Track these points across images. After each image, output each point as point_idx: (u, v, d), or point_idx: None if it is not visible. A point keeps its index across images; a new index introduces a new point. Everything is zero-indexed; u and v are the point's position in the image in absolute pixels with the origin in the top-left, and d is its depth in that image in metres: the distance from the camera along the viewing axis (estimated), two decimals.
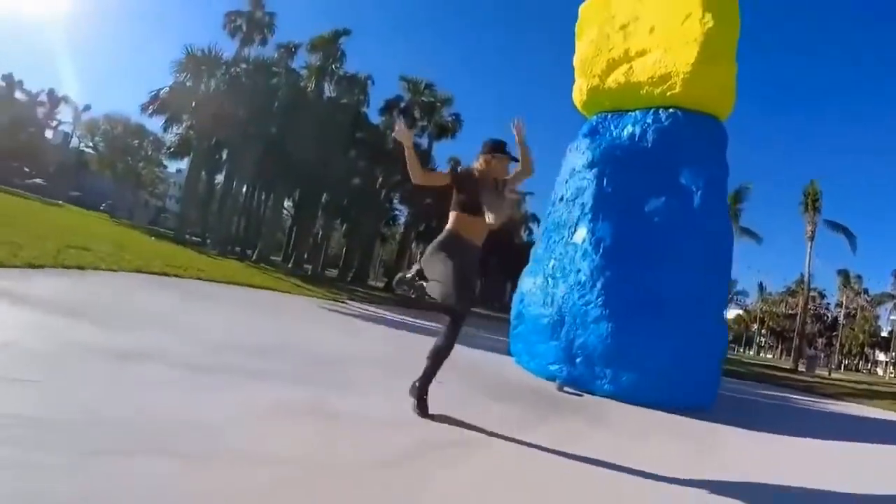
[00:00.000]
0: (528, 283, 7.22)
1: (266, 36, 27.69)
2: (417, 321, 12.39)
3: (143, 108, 25.88)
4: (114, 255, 9.00)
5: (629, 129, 7.24)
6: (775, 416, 7.82)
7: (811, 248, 33.91)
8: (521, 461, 3.15)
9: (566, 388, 6.04)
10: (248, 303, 8.80)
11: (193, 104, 24.68)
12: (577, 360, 6.24)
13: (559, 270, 6.75)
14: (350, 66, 29.30)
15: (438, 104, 33.05)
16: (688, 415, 5.91)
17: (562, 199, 7.30)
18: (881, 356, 67.88)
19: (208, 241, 27.51)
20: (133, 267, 8.19)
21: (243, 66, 26.24)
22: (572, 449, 3.52)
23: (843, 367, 55.33)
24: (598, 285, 6.23)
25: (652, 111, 7.21)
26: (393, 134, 3.72)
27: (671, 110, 7.13)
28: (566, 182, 7.33)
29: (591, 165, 6.93)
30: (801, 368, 30.45)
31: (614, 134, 7.36)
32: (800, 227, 34.34)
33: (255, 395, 3.32)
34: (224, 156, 28.80)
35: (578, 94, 8.08)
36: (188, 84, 25.38)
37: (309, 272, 27.61)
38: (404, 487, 2.42)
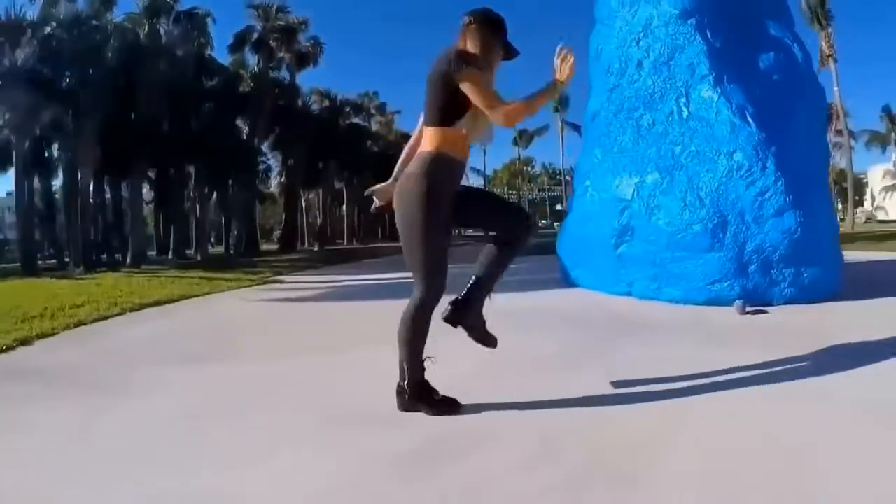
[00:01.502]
0: (628, 184, 5.43)
1: None
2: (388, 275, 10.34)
3: None
4: None
5: None
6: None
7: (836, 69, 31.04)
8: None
9: (748, 308, 4.52)
10: (192, 335, 4.74)
11: (1, 87, 19.19)
12: (751, 267, 4.70)
13: (689, 157, 5.06)
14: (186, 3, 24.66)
15: (295, 28, 29.01)
16: (835, 299, 4.81)
17: (639, 64, 5.55)
18: None
19: (67, 259, 22.25)
20: None
21: (54, 24, 20.69)
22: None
23: None
24: (771, 165, 4.63)
25: None
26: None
27: None
28: (637, 42, 5.58)
29: (685, 15, 5.21)
30: None
31: None
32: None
33: None
34: (55, 150, 23.38)
35: None
36: None
37: (198, 258, 23.71)
38: None
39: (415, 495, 1.67)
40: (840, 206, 61.94)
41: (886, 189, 47.47)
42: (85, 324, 5.18)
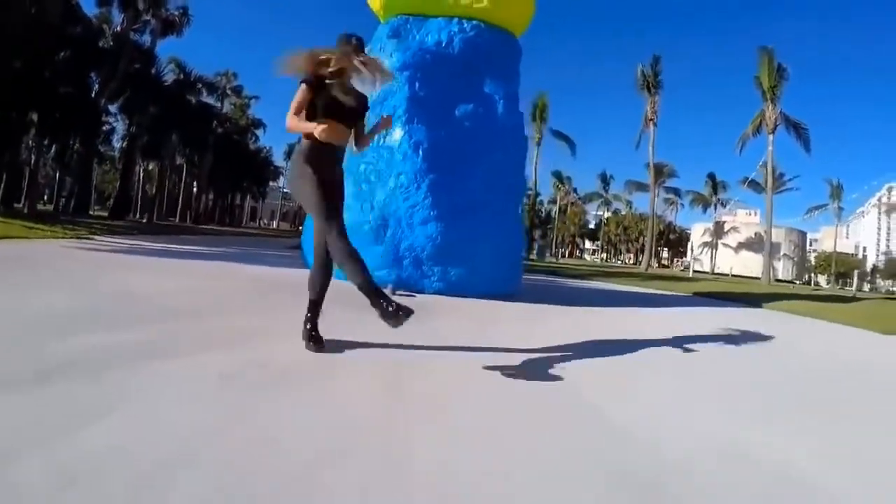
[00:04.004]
0: None
1: None
2: (194, 247, 11.30)
3: None
4: None
5: (433, 35, 7.21)
6: (558, 294, 9.11)
7: (538, 153, 39.01)
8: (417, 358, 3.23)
9: (399, 291, 6.17)
10: (3, 260, 6.10)
11: None
12: (405, 261, 6.38)
13: (374, 175, 6.66)
14: None
15: None
16: (506, 299, 6.70)
17: None
18: (588, 244, 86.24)
19: None
20: None
21: None
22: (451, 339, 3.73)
23: (559, 255, 66.33)
24: (424, 187, 6.35)
25: (456, 20, 7.26)
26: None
27: (475, 21, 7.29)
28: None
29: (403, 68, 6.78)
30: (534, 256, 35.76)
31: (419, 38, 7.24)
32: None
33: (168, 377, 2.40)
34: None
35: None
36: None
37: (26, 209, 22.54)
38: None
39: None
40: (666, 254, 71.32)
41: (704, 245, 56.21)
42: None
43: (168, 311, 3.89)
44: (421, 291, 6.40)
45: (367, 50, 3.41)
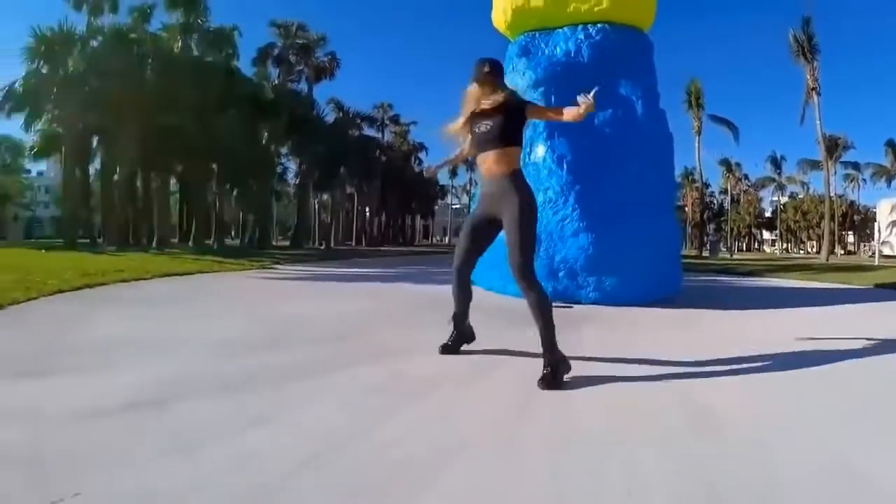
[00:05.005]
0: None
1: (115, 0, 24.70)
2: (365, 269, 12.33)
3: None
4: (22, 280, 7.30)
5: (562, 45, 7.27)
6: (727, 295, 8.52)
7: (699, 141, 36.44)
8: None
9: (556, 303, 6.23)
10: (198, 291, 7.53)
11: (55, 91, 21.94)
12: (560, 273, 6.43)
13: None
14: (216, 19, 27.32)
15: (312, 45, 31.73)
16: (664, 305, 6.45)
17: None
18: (766, 234, 76.77)
19: (100, 240, 25.11)
20: (53, 289, 6.62)
21: (100, 38, 23.45)
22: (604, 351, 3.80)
23: (735, 249, 60.79)
24: (571, 199, 6.39)
25: (581, 27, 7.25)
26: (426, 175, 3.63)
27: (599, 25, 7.23)
28: None
29: (536, 85, 6.93)
30: (705, 254, 33.20)
31: (547, 52, 7.35)
32: (684, 122, 36.24)
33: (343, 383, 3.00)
34: (95, 143, 26.17)
35: (502, 16, 7.94)
36: (44, 71, 22.43)
37: (215, 246, 26.18)
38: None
39: None
40: (852, 239, 61.53)
41: (893, 224, 46.69)
42: (126, 281, 8.12)
43: (335, 331, 4.50)
44: (578, 302, 6.41)
45: (503, 71, 3.51)
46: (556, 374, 2.97)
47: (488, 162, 3.25)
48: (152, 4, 25.40)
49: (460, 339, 3.69)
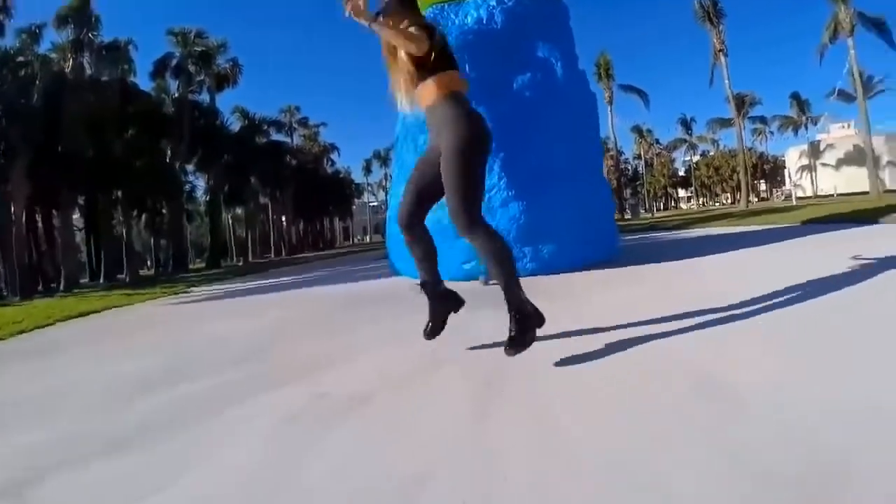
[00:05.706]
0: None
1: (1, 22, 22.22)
2: (284, 278, 11.61)
3: None
4: None
5: (472, 14, 6.94)
6: (664, 248, 8.49)
7: (611, 110, 37.50)
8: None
9: (491, 281, 5.86)
10: (101, 330, 6.37)
11: None
12: None
13: None
14: (108, 32, 25.26)
15: (212, 52, 30.24)
16: (608, 266, 6.30)
17: None
18: (682, 192, 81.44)
19: (2, 289, 22.71)
20: None
21: None
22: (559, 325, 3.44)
23: (654, 209, 63.31)
24: (496, 168, 6.04)
25: None
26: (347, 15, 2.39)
27: None
28: None
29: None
30: (628, 216, 34.31)
31: (458, 21, 6.96)
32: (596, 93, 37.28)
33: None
34: None
35: None
36: None
37: (127, 279, 24.41)
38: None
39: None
40: (764, 187, 66.78)
41: (802, 169, 52.61)
42: (25, 331, 6.69)
43: (248, 350, 3.86)
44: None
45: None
46: (524, 330, 2.52)
47: (419, 95, 2.67)
48: (41, 24, 23.14)
49: (442, 309, 2.90)
